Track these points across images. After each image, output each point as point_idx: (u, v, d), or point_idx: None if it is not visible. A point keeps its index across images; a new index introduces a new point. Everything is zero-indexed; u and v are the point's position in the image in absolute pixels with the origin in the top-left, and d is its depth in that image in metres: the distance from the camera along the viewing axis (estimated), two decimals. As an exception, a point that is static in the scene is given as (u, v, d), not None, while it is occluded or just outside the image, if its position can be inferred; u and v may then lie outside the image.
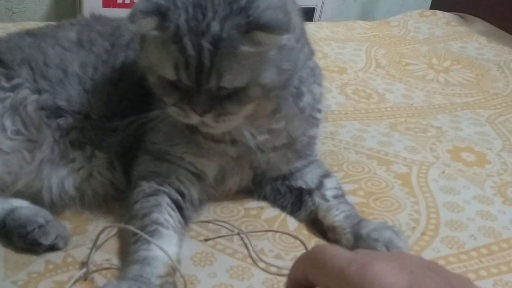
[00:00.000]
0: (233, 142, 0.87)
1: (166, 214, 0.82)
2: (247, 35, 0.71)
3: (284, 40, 0.73)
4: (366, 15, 2.16)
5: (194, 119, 0.77)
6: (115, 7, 1.64)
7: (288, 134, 0.89)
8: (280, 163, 0.92)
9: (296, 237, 0.87)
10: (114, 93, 0.92)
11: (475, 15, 1.88)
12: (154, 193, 0.84)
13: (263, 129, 0.85)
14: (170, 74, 0.74)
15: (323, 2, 1.94)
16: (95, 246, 0.79)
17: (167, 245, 0.77)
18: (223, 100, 0.75)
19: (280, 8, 0.73)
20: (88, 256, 0.78)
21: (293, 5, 0.80)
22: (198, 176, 0.89)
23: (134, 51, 0.93)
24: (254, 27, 0.71)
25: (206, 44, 0.71)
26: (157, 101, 0.84)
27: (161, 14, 0.72)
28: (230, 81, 0.73)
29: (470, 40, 1.74)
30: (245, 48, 0.71)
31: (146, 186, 0.85)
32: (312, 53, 0.92)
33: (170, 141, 0.88)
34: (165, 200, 0.84)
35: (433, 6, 2.05)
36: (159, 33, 0.73)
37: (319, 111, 0.94)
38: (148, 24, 0.72)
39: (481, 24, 1.84)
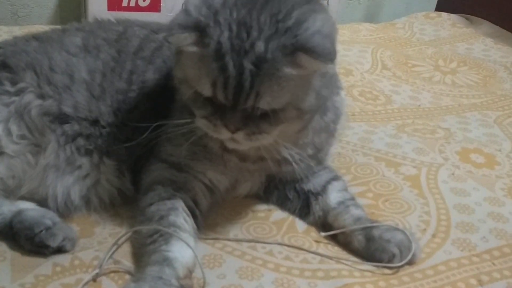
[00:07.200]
0: (259, 159, 0.86)
1: (182, 219, 0.81)
2: (291, 57, 0.70)
3: (327, 68, 0.72)
4: (370, 17, 2.15)
5: (224, 134, 0.76)
6: (120, 10, 1.64)
7: (314, 146, 0.90)
8: (299, 172, 0.89)
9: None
10: (123, 102, 0.91)
11: (480, 17, 1.87)
12: (171, 197, 0.83)
13: (292, 143, 0.84)
14: (206, 91, 0.73)
15: (327, 4, 1.93)
16: (117, 244, 0.80)
17: (186, 247, 0.76)
18: (257, 119, 0.74)
19: (329, 36, 0.72)
20: (104, 258, 0.78)
21: (336, 34, 0.78)
22: (212, 190, 0.89)
23: (142, 60, 0.92)
24: (299, 48, 0.69)
25: (248, 65, 0.69)
26: (179, 113, 0.83)
27: (200, 30, 0.71)
28: (268, 102, 0.72)
29: (476, 42, 1.73)
30: (288, 71, 0.70)
31: (162, 190, 0.85)
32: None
33: (191, 155, 0.87)
34: (181, 205, 0.83)
35: (438, 8, 2.04)
36: (198, 49, 0.72)
37: (339, 123, 0.95)
38: (186, 39, 0.71)
39: (487, 25, 1.83)
